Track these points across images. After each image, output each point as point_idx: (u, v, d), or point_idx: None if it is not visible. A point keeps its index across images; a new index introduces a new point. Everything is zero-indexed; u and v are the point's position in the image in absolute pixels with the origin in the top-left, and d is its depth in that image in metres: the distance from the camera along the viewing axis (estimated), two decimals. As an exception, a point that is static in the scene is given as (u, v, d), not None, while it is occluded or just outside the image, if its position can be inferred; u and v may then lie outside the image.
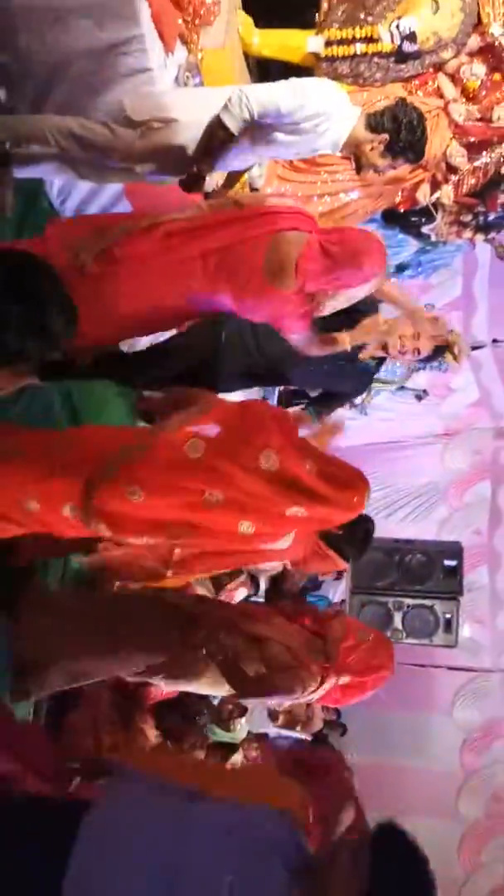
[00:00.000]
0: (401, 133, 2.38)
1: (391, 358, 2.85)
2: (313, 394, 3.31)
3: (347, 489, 2.06)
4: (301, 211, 2.30)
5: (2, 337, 1.51)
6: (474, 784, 6.54)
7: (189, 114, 2.39)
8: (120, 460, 2.01)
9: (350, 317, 2.55)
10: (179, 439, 2.05)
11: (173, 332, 2.90)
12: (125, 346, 3.49)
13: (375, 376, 4.09)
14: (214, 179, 2.90)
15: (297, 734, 5.63)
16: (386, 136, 2.38)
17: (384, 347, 2.78)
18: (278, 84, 2.40)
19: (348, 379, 3.00)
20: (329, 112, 2.35)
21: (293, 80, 2.43)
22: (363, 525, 2.60)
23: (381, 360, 2.95)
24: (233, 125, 2.31)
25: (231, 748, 4.29)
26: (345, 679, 2.72)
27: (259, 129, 2.37)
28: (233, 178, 2.86)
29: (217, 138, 2.35)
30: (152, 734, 3.53)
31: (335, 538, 2.49)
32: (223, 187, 2.77)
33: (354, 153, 2.48)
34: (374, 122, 2.40)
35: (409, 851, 1.35)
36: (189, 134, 2.39)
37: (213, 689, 2.77)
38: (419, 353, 2.74)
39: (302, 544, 2.39)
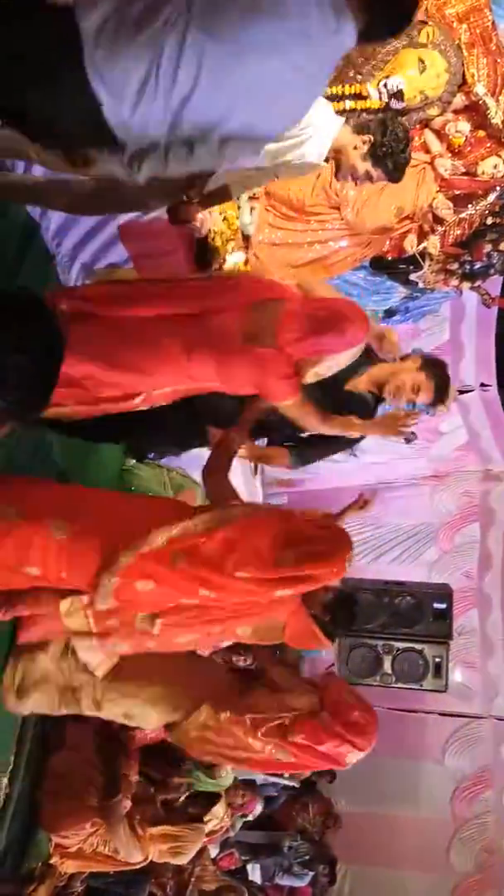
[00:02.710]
0: (385, 137, 2.40)
1: (386, 399, 2.76)
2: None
3: (327, 564, 2.11)
4: (276, 282, 2.35)
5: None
6: (466, 835, 6.40)
7: None
8: (133, 547, 2.11)
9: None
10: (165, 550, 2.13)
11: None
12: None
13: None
14: (206, 223, 2.96)
15: (285, 781, 5.55)
16: (371, 137, 2.38)
17: (379, 387, 2.72)
18: None
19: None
20: (314, 124, 2.37)
21: None
22: (349, 607, 2.55)
23: (378, 399, 2.83)
24: None
25: (212, 796, 4.19)
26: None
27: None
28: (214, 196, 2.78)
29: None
30: (136, 780, 3.46)
31: (322, 623, 2.43)
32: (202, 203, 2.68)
33: (335, 158, 2.46)
34: (362, 126, 2.43)
35: None
36: None
37: None
38: (414, 404, 2.68)
39: (294, 618, 2.35)
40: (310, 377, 2.21)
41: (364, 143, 2.38)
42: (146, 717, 2.68)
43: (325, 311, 2.17)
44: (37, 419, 1.72)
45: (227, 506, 2.25)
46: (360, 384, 2.71)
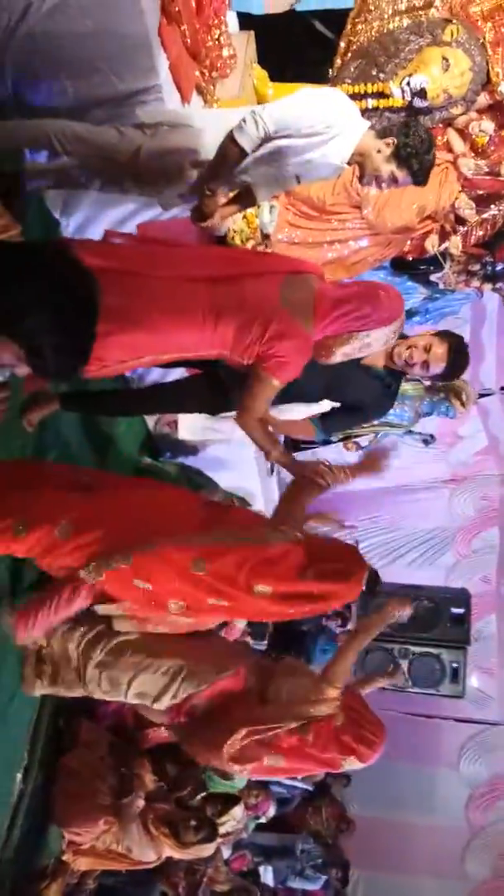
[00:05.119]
0: (409, 139, 2.38)
1: (398, 367, 2.80)
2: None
3: (347, 581, 2.14)
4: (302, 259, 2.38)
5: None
6: (481, 842, 6.34)
7: (202, 122, 2.41)
8: (134, 548, 2.15)
9: None
10: (187, 555, 2.17)
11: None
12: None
13: (384, 420, 4.12)
14: (226, 221, 2.95)
15: (299, 784, 5.52)
16: (394, 139, 2.38)
17: (391, 357, 2.76)
18: (292, 99, 2.40)
19: (361, 388, 2.84)
20: (339, 122, 2.37)
21: (306, 94, 2.44)
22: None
23: (396, 374, 2.87)
24: (247, 143, 2.29)
25: (231, 799, 4.17)
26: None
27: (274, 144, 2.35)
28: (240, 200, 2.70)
29: (230, 156, 2.32)
30: (149, 779, 3.45)
31: None
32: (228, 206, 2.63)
33: (359, 162, 2.45)
34: (385, 130, 2.43)
35: None
36: (200, 140, 2.37)
37: None
38: (428, 367, 2.73)
39: None
40: (338, 356, 2.25)
41: (388, 145, 2.38)
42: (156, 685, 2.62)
43: (361, 287, 2.25)
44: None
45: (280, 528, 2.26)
46: (377, 360, 2.75)
